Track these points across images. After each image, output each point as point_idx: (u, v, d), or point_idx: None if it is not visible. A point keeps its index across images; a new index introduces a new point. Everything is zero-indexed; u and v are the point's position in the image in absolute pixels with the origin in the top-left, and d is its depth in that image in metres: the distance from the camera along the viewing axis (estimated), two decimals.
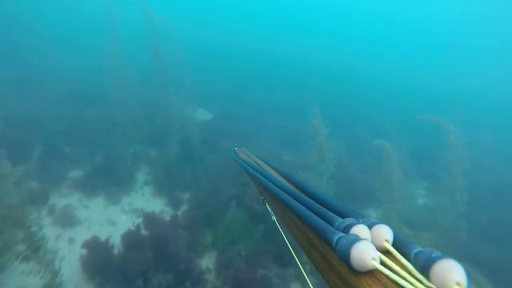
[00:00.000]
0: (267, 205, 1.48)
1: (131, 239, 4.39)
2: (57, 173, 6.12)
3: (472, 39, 40.56)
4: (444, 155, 5.43)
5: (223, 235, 4.94)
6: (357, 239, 0.62)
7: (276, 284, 4.33)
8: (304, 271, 1.07)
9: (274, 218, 1.39)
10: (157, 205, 5.92)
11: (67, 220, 5.14)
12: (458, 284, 0.48)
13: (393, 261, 0.60)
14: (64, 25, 17.13)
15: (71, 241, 4.82)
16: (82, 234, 4.91)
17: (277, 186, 1.25)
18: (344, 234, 0.69)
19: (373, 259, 0.59)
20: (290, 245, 1.22)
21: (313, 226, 0.82)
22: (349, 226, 0.71)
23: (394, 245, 0.67)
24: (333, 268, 0.69)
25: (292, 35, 34.98)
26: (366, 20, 47.82)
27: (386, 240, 0.67)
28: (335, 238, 0.69)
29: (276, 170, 1.62)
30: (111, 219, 5.41)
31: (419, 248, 0.60)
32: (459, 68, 29.24)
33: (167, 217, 5.44)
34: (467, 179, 5.31)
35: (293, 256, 1.20)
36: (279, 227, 1.31)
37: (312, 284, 1.01)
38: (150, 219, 4.93)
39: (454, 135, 5.30)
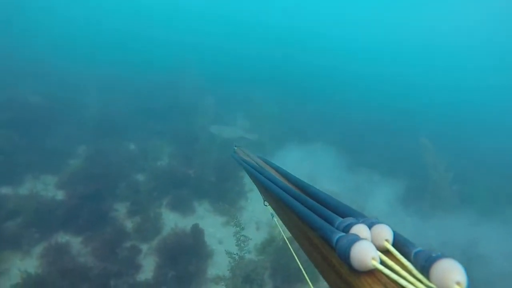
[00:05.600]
0: (269, 207, 1.48)
1: None
2: None
3: None
4: None
5: None
6: (357, 238, 0.63)
7: None
8: (304, 270, 1.07)
9: (275, 219, 1.39)
10: None
11: None
12: (458, 283, 0.49)
13: (393, 261, 0.61)
14: None
15: None
16: None
17: (277, 185, 1.25)
18: (344, 233, 0.70)
19: (373, 258, 0.59)
20: (291, 245, 1.22)
21: (313, 225, 0.83)
22: (349, 226, 0.71)
23: (394, 245, 0.67)
24: (333, 268, 0.69)
25: None
26: None
27: (386, 240, 0.67)
28: (335, 237, 0.69)
29: (276, 169, 1.61)
30: None
31: (419, 248, 0.60)
32: None
33: None
34: None
35: (294, 256, 1.20)
36: (279, 228, 1.31)
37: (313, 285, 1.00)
38: None
39: None
